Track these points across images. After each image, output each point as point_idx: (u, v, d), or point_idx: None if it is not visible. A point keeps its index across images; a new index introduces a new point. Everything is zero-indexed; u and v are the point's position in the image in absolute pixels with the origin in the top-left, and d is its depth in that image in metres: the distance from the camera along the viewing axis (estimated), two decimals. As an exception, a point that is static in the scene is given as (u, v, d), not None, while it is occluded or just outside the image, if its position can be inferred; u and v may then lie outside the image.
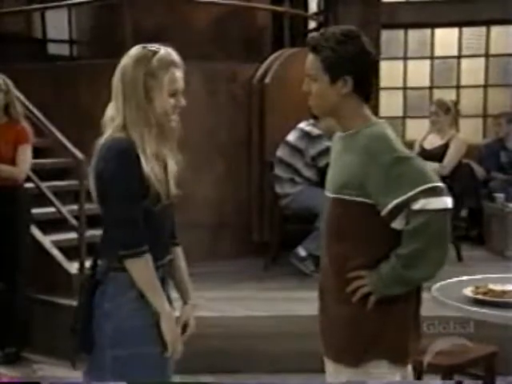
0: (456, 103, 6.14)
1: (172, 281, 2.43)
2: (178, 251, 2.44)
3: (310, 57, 2.18)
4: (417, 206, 2.06)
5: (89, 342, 2.24)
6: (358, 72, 2.15)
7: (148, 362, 2.23)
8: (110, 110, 2.27)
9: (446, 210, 2.10)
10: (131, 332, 2.21)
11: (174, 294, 2.43)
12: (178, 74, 2.26)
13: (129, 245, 2.18)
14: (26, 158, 4.47)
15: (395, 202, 2.08)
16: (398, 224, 2.10)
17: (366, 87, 2.18)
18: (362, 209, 2.12)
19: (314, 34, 2.26)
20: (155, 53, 2.24)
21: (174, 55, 2.27)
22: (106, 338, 2.22)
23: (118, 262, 2.21)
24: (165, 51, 2.26)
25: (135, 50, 2.26)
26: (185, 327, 2.37)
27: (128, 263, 2.19)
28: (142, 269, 2.20)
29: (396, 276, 2.09)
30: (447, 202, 2.11)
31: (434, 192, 2.09)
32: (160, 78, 2.22)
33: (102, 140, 2.24)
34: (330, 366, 2.26)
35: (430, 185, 2.09)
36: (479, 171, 6.88)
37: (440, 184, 2.12)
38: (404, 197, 2.07)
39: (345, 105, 2.17)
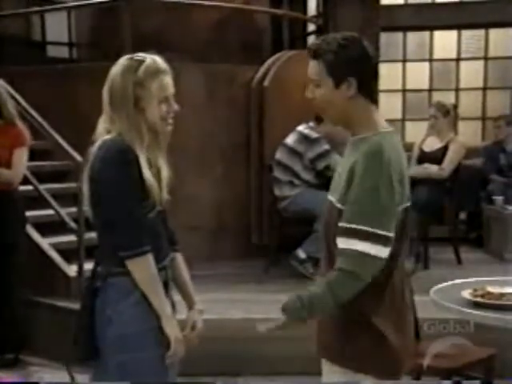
0: (455, 106, 6.15)
1: (175, 286, 2.43)
2: (179, 258, 2.45)
3: (312, 63, 2.18)
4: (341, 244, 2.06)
5: (92, 350, 2.24)
6: (361, 73, 2.14)
7: (151, 366, 2.23)
8: (102, 123, 2.27)
9: (368, 255, 2.03)
10: (133, 337, 2.20)
11: (177, 297, 2.43)
12: (167, 80, 2.27)
13: (130, 245, 2.18)
14: (21, 161, 4.45)
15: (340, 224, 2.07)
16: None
17: (371, 88, 2.18)
18: (340, 214, 2.10)
19: (314, 40, 2.27)
20: (141, 62, 2.25)
21: (161, 62, 2.28)
22: (108, 344, 2.22)
23: (117, 267, 2.21)
24: (151, 60, 2.26)
25: (122, 61, 2.27)
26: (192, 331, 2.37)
27: (130, 264, 2.18)
28: (144, 269, 2.19)
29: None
30: (376, 249, 2.03)
31: (363, 234, 2.03)
32: (148, 87, 2.23)
33: (97, 143, 2.24)
34: (323, 364, 2.27)
35: (362, 227, 2.03)
36: (478, 174, 6.89)
37: (375, 230, 2.03)
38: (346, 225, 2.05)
39: (352, 108, 2.16)
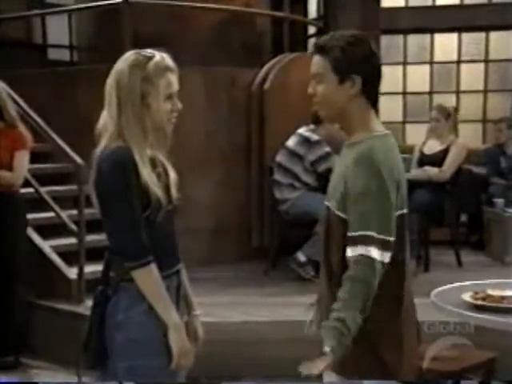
0: (456, 109, 6.16)
1: None
2: None
3: (317, 58, 2.14)
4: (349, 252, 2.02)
5: (103, 355, 2.23)
6: (367, 72, 2.11)
7: (159, 373, 2.22)
8: (104, 119, 2.25)
9: (371, 259, 1.99)
10: (143, 343, 2.19)
11: (197, 299, 2.43)
12: (173, 78, 2.26)
13: (133, 256, 2.17)
14: (22, 163, 4.46)
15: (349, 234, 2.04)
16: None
17: (373, 89, 2.15)
18: (340, 222, 2.08)
19: (322, 36, 2.23)
20: (150, 58, 2.23)
21: (169, 60, 2.27)
22: (118, 348, 2.20)
23: (128, 273, 2.20)
24: (159, 56, 2.25)
25: (129, 56, 2.25)
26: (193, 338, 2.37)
27: (134, 274, 2.18)
28: (147, 279, 2.18)
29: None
30: (376, 253, 2.00)
31: (366, 240, 2.00)
32: (156, 84, 2.21)
33: (98, 150, 2.22)
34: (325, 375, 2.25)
35: (363, 232, 2.00)
36: (479, 176, 6.89)
37: (375, 234, 2.00)
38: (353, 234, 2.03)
39: (351, 107, 2.12)
